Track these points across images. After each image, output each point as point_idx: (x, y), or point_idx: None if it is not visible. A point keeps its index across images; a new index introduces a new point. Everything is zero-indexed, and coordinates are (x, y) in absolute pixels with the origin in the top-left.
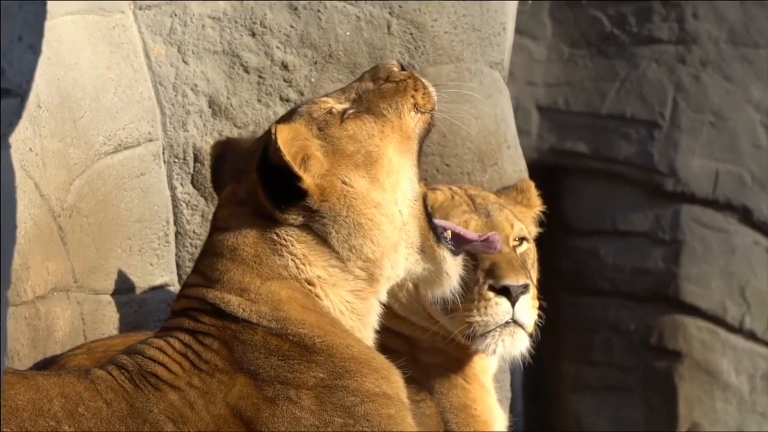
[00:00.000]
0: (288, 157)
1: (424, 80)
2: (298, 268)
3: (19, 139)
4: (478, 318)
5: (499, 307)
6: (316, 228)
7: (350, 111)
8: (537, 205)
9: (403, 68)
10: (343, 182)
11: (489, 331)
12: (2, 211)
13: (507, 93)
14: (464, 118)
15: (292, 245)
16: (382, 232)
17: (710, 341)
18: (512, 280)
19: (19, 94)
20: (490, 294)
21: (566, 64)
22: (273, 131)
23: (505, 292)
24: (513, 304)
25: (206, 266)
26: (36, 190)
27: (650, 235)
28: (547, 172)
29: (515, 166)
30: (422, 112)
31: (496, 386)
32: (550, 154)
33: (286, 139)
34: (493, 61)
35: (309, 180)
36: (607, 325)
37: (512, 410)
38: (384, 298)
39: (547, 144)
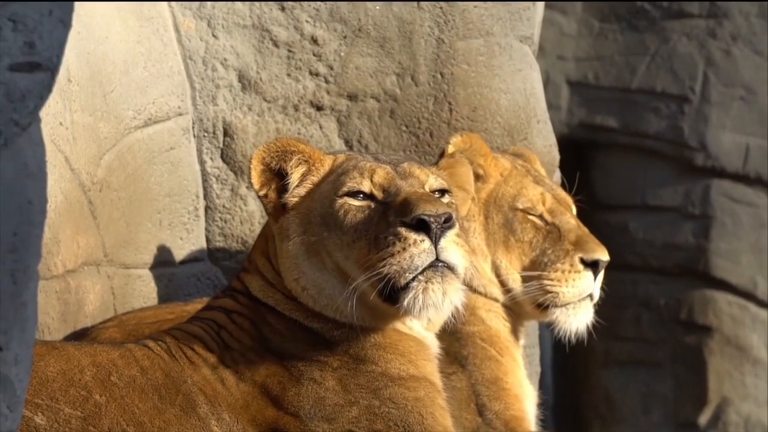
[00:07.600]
0: (253, 172)
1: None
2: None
3: (49, 113)
4: (564, 289)
5: (586, 281)
6: None
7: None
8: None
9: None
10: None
11: (568, 303)
12: (33, 185)
13: (537, 67)
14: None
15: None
16: None
17: (740, 316)
18: (601, 255)
19: (50, 68)
20: (581, 266)
21: (596, 38)
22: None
23: (593, 266)
24: (595, 279)
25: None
26: (66, 164)
27: (680, 210)
28: (576, 147)
29: (545, 140)
30: None
31: (526, 361)
32: (580, 128)
33: (259, 155)
34: (523, 35)
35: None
36: (637, 300)
37: (541, 385)
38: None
39: (577, 119)
